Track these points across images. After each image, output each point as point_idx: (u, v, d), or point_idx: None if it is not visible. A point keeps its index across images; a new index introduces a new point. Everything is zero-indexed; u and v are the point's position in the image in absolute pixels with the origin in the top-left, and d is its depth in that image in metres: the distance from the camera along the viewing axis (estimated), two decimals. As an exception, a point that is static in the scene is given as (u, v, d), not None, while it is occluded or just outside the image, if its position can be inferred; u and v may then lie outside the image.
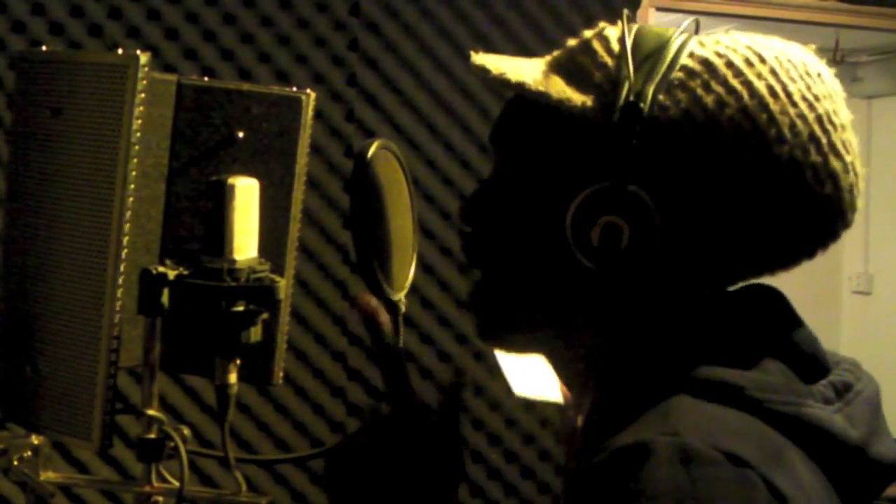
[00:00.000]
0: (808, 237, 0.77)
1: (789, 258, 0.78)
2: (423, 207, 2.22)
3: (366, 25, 2.22)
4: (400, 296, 1.10)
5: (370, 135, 2.21)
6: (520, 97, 0.82)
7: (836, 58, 4.00)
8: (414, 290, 2.20)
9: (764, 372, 0.74)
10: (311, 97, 1.36)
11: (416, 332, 2.26)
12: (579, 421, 0.86)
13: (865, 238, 4.53)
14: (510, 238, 0.82)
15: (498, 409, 2.31)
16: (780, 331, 0.78)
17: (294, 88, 1.37)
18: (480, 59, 0.81)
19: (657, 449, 0.65)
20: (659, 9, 2.48)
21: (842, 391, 0.76)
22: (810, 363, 0.77)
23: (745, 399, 0.71)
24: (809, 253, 0.78)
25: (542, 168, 0.80)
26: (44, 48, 1.28)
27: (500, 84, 0.79)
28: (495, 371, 2.27)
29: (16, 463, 1.25)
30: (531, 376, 1.41)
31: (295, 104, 1.35)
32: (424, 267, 2.24)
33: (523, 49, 2.28)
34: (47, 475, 1.28)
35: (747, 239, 0.75)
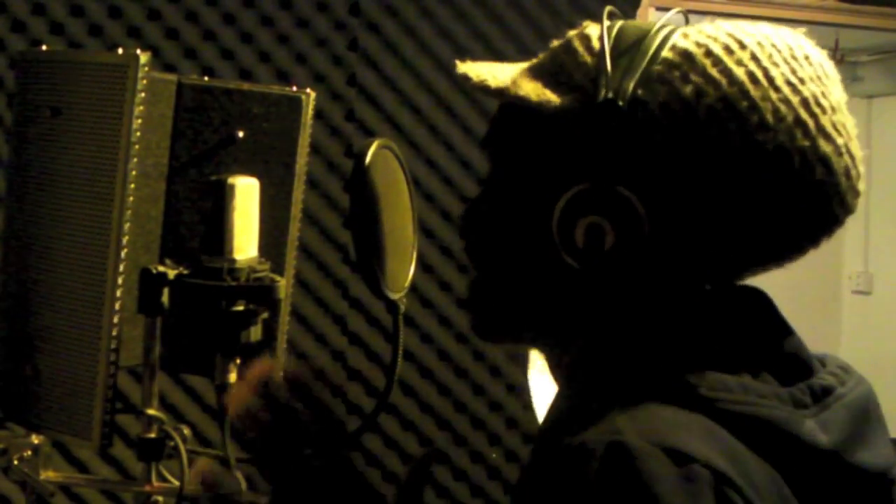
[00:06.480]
0: (806, 224, 0.75)
1: (790, 247, 0.76)
2: (423, 207, 2.22)
3: (366, 25, 2.22)
4: (400, 295, 1.10)
5: (370, 135, 2.21)
6: (507, 102, 0.81)
7: (836, 57, 4.01)
8: (414, 289, 2.20)
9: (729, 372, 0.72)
10: (311, 97, 1.36)
11: (416, 332, 2.25)
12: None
13: (865, 238, 4.53)
14: (503, 240, 0.82)
15: (498, 410, 2.31)
16: (758, 333, 0.77)
17: (294, 88, 1.37)
18: (464, 67, 0.81)
19: (594, 449, 0.65)
20: (659, 8, 2.48)
21: (820, 395, 0.74)
22: (790, 365, 0.75)
23: (698, 398, 0.69)
24: (812, 240, 0.76)
25: (530, 170, 0.80)
26: (44, 48, 1.28)
27: (480, 90, 0.79)
28: (494, 372, 2.28)
29: (16, 462, 1.25)
30: None
31: (295, 104, 1.35)
32: (424, 267, 2.24)
33: (523, 48, 2.28)
34: (47, 474, 1.28)
35: (739, 230, 0.74)
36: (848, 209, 0.76)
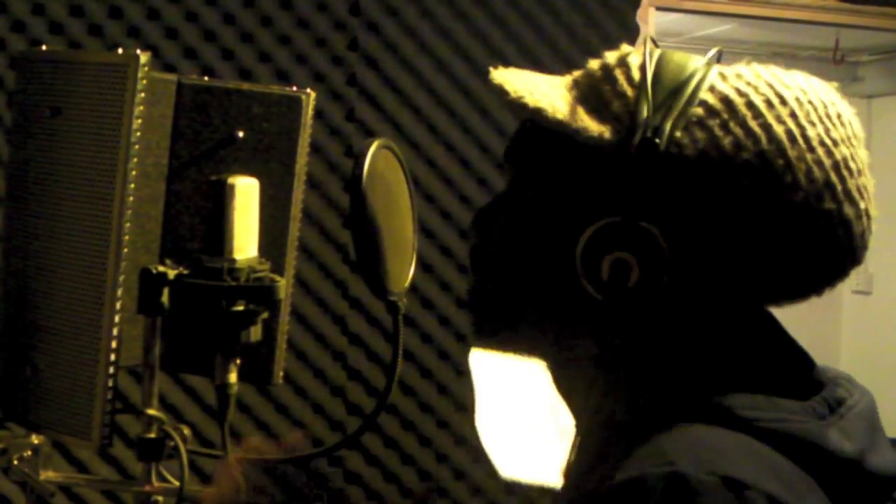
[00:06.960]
0: (816, 278, 0.78)
1: (796, 295, 0.79)
2: (423, 207, 2.22)
3: (366, 25, 2.22)
4: (400, 295, 1.10)
5: (370, 135, 2.21)
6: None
7: (836, 57, 4.00)
8: (414, 290, 2.20)
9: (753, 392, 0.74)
10: (311, 97, 1.36)
11: (416, 332, 2.25)
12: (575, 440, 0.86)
13: (865, 238, 4.53)
14: (520, 257, 0.82)
15: (498, 409, 2.31)
16: (771, 351, 0.79)
17: (294, 88, 1.37)
18: (500, 77, 0.79)
19: (652, 482, 0.65)
20: (659, 8, 2.48)
21: (835, 406, 0.76)
22: (802, 380, 0.78)
23: (736, 419, 0.71)
24: (817, 291, 0.79)
25: (557, 194, 0.80)
26: (44, 48, 1.28)
27: (516, 107, 0.78)
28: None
29: (16, 462, 1.25)
30: (522, 457, 1.38)
31: (295, 104, 1.35)
32: (424, 267, 2.24)
33: (522, 48, 2.28)
34: (47, 474, 1.28)
35: (754, 278, 0.76)
36: (857, 263, 0.79)
